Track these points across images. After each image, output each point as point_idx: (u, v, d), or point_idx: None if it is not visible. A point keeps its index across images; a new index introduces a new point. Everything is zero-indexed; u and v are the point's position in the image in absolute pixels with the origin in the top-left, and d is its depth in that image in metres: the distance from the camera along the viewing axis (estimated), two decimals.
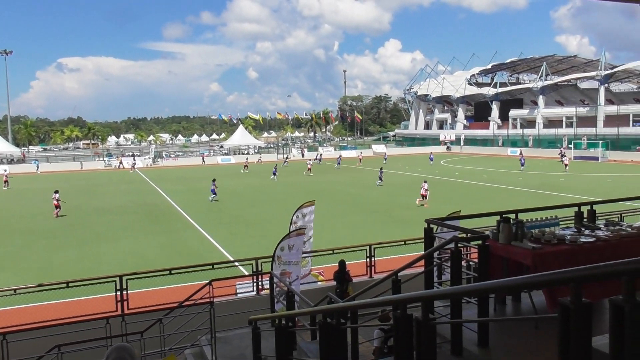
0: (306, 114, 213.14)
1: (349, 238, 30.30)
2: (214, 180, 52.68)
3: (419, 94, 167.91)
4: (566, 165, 73.13)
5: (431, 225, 11.14)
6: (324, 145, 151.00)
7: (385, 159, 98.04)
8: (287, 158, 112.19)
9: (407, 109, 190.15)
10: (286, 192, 54.63)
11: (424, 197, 42.65)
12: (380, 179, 60.25)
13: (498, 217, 10.74)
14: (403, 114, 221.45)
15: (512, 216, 11.33)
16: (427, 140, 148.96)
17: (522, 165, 77.13)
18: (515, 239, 10.46)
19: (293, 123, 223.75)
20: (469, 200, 43.05)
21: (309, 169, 78.48)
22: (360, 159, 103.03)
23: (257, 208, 44.21)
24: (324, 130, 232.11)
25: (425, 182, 45.91)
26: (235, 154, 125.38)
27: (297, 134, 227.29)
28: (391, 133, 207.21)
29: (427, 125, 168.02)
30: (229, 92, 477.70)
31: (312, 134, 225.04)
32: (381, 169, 65.49)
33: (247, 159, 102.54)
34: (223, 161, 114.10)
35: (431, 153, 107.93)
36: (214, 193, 51.10)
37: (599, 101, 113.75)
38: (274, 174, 70.08)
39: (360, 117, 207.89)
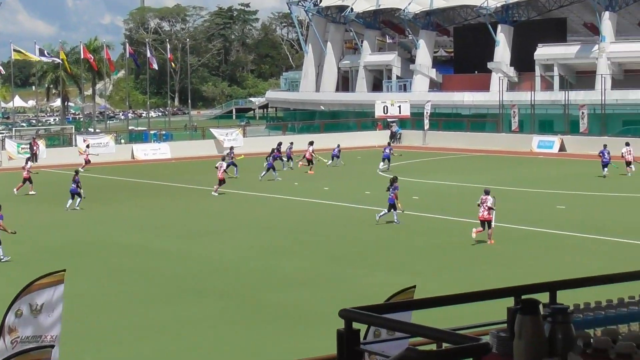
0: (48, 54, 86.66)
1: None
2: None
3: (323, 5, 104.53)
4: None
5: (352, 323, 4.76)
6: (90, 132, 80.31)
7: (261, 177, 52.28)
8: None
9: (295, 43, 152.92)
10: None
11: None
12: None
13: (512, 299, 5.18)
14: (287, 55, 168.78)
15: (544, 295, 5.29)
16: (343, 114, 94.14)
17: (605, 167, 49.48)
18: (553, 349, 4.56)
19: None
20: (440, 259, 28.48)
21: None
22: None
23: None
24: (88, 92, 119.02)
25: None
26: None
27: (20, 102, 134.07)
28: (255, 100, 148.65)
29: (345, 83, 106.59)
30: None
31: (58, 102, 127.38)
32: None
33: None
34: None
35: (337, 146, 60.56)
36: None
37: None
38: None
39: (178, 61, 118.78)
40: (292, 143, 60.00)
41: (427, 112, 78.35)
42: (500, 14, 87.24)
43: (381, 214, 35.07)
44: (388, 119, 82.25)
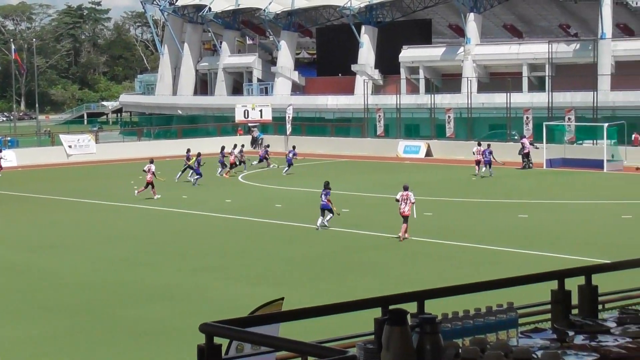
0: None
1: None
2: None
3: (179, 4, 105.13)
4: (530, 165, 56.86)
5: (214, 338, 4.70)
6: None
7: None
8: None
9: (150, 44, 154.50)
10: None
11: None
12: None
13: (380, 310, 5.12)
14: (142, 57, 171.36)
15: (412, 305, 5.27)
16: (202, 119, 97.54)
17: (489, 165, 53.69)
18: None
19: None
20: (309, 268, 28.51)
21: None
22: None
23: None
24: None
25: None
26: None
27: None
28: (108, 104, 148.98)
29: (204, 86, 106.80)
30: None
31: None
32: None
33: None
34: None
35: (150, 162, 48.71)
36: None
37: (601, 27, 72.19)
38: None
39: (24, 62, 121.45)
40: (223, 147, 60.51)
41: (289, 117, 78.59)
42: (364, 14, 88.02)
43: (319, 221, 35.17)
44: (249, 124, 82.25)
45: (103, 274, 28.45)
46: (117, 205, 45.10)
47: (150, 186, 46.43)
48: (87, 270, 29.18)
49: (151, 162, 48.30)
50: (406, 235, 32.43)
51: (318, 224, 35.28)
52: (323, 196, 35.31)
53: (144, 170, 47.16)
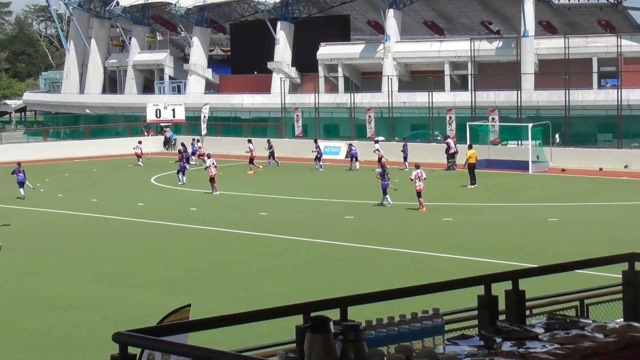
0: None
1: None
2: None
3: None
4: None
5: (127, 348, 4.49)
6: None
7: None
8: None
9: (54, 39, 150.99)
10: None
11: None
12: None
13: (301, 317, 5.18)
14: (46, 53, 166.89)
15: (335, 312, 5.28)
16: (111, 118, 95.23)
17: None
18: None
19: None
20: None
21: None
22: None
23: None
24: None
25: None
26: None
27: None
28: (11, 102, 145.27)
29: (113, 84, 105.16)
30: None
31: None
32: None
33: None
34: None
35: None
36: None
37: (523, 24, 72.16)
38: None
39: None
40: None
41: (204, 116, 78.38)
42: (279, 10, 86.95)
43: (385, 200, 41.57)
44: (161, 124, 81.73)
45: (0, 282, 27.97)
46: (20, 209, 44.46)
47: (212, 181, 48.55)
48: None
49: (208, 156, 51.12)
50: (423, 208, 39.83)
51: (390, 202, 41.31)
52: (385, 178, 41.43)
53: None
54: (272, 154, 63.41)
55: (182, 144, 63.13)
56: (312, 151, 61.48)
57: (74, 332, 22.02)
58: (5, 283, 27.89)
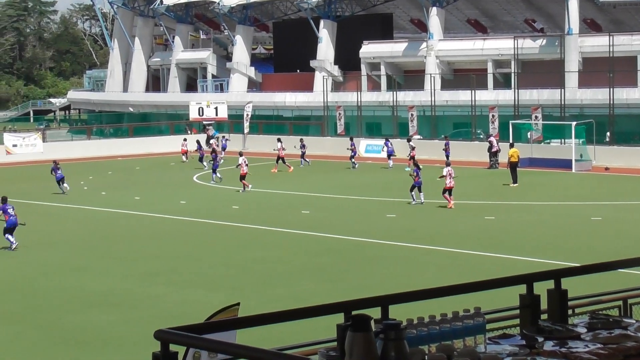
0: None
1: None
2: None
3: None
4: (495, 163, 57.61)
5: (169, 345, 4.44)
6: None
7: None
8: None
9: (98, 38, 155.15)
10: None
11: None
12: None
13: (342, 316, 5.11)
14: (91, 52, 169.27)
15: (375, 310, 5.26)
16: (154, 117, 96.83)
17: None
18: None
19: None
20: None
21: None
22: None
23: None
24: None
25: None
26: None
27: None
28: (56, 100, 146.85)
29: (156, 82, 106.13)
30: None
31: None
32: None
33: None
34: None
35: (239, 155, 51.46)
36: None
37: (567, 22, 71.92)
38: None
39: None
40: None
41: (247, 115, 78.48)
42: (322, 8, 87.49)
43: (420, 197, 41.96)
44: (204, 122, 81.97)
45: (45, 279, 28.19)
46: (64, 207, 44.79)
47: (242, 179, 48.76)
48: (28, 275, 28.92)
49: (240, 154, 50.90)
50: (451, 204, 40.48)
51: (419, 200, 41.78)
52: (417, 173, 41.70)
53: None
54: (303, 154, 63.34)
55: (197, 141, 63.77)
56: (347, 149, 61.39)
57: (116, 329, 22.14)
58: (49, 280, 28.09)
